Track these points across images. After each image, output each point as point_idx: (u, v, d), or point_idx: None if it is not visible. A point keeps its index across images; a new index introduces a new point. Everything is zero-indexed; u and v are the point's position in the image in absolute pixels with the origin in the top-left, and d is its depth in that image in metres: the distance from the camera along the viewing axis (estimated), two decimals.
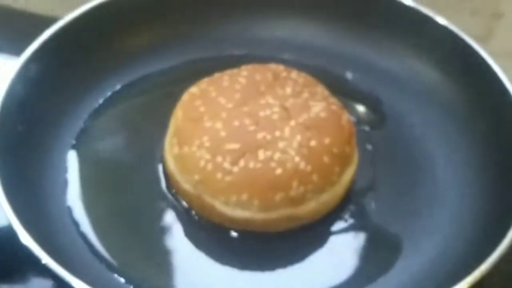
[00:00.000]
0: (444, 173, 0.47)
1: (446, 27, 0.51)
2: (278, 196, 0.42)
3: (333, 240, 0.45)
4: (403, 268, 0.43)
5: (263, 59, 0.49)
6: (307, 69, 0.50)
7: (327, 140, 0.43)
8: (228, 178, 0.41)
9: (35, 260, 0.38)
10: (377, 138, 0.50)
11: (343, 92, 0.52)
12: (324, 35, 0.55)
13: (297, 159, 0.42)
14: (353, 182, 0.46)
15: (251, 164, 0.41)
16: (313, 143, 0.42)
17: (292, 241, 0.44)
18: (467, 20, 0.65)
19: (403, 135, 0.50)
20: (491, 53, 0.65)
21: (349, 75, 0.54)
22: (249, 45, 0.54)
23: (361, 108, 0.52)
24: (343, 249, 0.44)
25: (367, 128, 0.51)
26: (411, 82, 0.52)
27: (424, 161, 0.48)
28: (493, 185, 0.45)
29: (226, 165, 0.42)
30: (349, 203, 0.46)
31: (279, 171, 0.41)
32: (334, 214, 0.45)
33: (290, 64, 0.50)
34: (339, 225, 0.45)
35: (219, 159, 0.42)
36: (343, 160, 0.44)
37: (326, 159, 0.42)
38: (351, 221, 0.45)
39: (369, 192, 0.47)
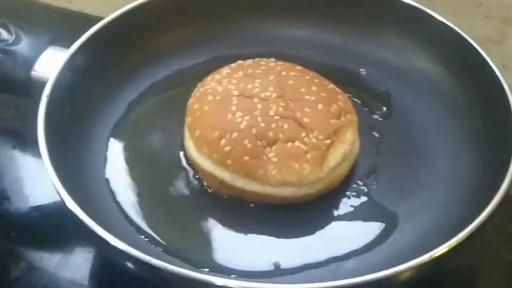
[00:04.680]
0: (441, 158, 0.52)
1: (450, 27, 0.56)
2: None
3: (337, 214, 0.50)
4: (397, 239, 0.48)
5: (283, 57, 0.55)
6: (325, 66, 0.57)
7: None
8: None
9: (77, 227, 0.44)
10: (384, 126, 0.55)
11: (357, 85, 0.58)
12: (340, 35, 0.61)
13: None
14: (356, 164, 0.52)
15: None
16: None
17: (301, 213, 0.50)
18: (482, 24, 0.69)
19: (407, 124, 0.55)
20: (505, 55, 0.69)
21: (362, 71, 0.60)
22: (271, 43, 0.60)
23: (372, 100, 0.58)
24: (345, 222, 0.49)
25: (376, 117, 0.56)
26: (417, 77, 0.58)
27: (424, 147, 0.53)
28: (483, 171, 0.49)
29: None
30: (353, 183, 0.51)
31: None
32: (339, 191, 0.51)
33: (309, 61, 0.57)
34: (343, 201, 0.50)
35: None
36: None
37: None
38: (354, 198, 0.51)
39: (372, 174, 0.52)
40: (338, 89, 0.53)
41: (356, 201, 0.50)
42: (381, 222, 0.49)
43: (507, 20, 0.69)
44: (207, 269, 0.45)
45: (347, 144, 0.49)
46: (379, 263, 0.46)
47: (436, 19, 0.56)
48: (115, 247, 0.42)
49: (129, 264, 0.43)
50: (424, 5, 0.58)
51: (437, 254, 0.41)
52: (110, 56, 0.57)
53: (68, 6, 0.81)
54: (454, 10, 0.68)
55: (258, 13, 0.61)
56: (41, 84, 0.51)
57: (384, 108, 0.57)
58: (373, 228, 0.49)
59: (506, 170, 0.45)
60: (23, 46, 0.54)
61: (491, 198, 0.43)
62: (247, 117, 0.48)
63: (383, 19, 0.59)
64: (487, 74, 0.53)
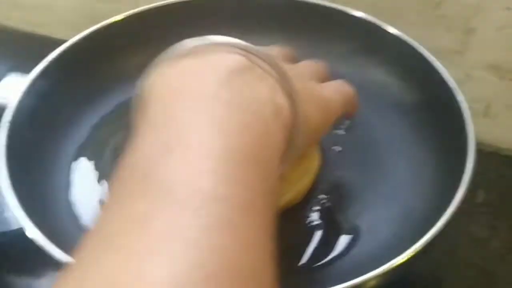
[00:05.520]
0: (401, 169, 0.53)
1: (403, 40, 0.57)
2: None
3: (300, 229, 0.50)
4: (359, 252, 0.48)
5: None
6: None
7: None
8: None
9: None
10: (346, 140, 0.56)
11: None
12: (298, 53, 0.61)
13: None
14: (319, 179, 0.52)
15: None
16: None
17: None
18: (443, 36, 0.70)
19: (369, 137, 0.56)
20: (468, 66, 0.70)
21: None
22: None
23: None
24: (308, 237, 0.49)
25: (338, 131, 0.57)
26: (377, 91, 0.58)
27: (385, 159, 0.54)
28: (441, 181, 0.50)
29: None
30: (315, 198, 0.52)
31: None
32: (302, 207, 0.51)
33: None
34: (306, 216, 0.51)
35: None
36: None
37: None
38: (316, 213, 0.51)
39: (335, 188, 0.53)
40: None
41: (319, 216, 0.51)
42: (344, 235, 0.49)
43: (468, 30, 0.70)
44: None
45: (306, 160, 0.50)
46: (340, 277, 0.46)
47: (389, 33, 0.57)
48: None
49: None
50: (384, 18, 0.59)
51: (393, 266, 0.41)
52: (72, 80, 0.57)
53: (37, 30, 0.82)
54: (415, 23, 0.69)
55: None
56: (1, 110, 0.52)
57: (347, 122, 0.57)
58: (336, 242, 0.49)
59: (460, 179, 0.46)
60: None
61: (444, 210, 0.44)
62: None
63: (340, 35, 0.60)
64: (441, 85, 0.53)
